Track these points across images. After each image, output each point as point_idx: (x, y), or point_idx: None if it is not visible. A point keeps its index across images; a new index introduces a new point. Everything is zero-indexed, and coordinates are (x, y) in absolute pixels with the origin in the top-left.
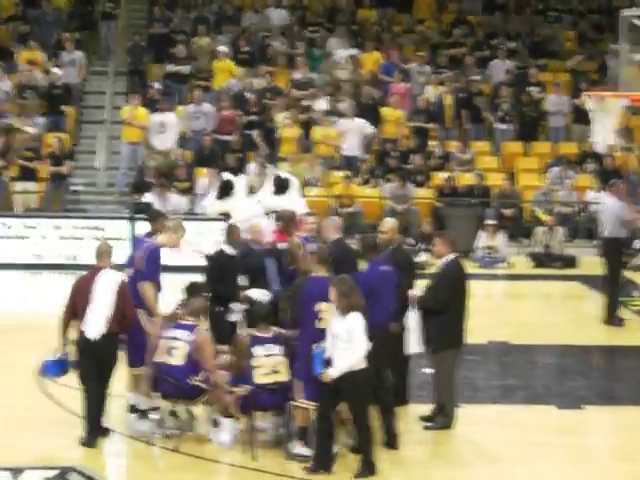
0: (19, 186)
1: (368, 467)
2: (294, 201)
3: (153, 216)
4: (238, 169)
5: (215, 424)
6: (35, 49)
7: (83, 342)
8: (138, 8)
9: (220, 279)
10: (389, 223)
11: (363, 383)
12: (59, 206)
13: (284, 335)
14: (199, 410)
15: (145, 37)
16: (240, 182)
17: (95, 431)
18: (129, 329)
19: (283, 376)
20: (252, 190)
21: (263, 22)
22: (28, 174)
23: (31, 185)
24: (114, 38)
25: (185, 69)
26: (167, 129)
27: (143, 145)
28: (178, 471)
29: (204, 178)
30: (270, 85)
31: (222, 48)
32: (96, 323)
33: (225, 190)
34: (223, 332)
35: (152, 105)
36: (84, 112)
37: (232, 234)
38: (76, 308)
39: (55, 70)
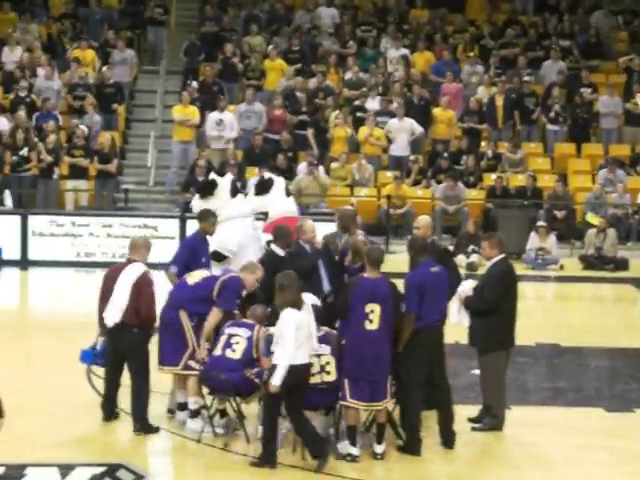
0: (69, 184)
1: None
2: (278, 201)
3: (203, 215)
4: (288, 169)
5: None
6: (86, 48)
7: (105, 330)
8: (190, 7)
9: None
10: (424, 220)
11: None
12: (106, 204)
13: (333, 335)
14: (249, 408)
15: (197, 36)
16: (279, 181)
17: (107, 414)
18: (149, 324)
19: (332, 376)
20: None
21: (314, 21)
22: (78, 172)
23: (81, 183)
24: (164, 37)
25: (236, 68)
26: (225, 127)
27: (194, 143)
28: (227, 470)
29: (254, 177)
30: (322, 85)
31: (273, 47)
32: (112, 312)
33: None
34: None
35: (203, 104)
36: (134, 111)
37: (287, 235)
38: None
39: (106, 69)
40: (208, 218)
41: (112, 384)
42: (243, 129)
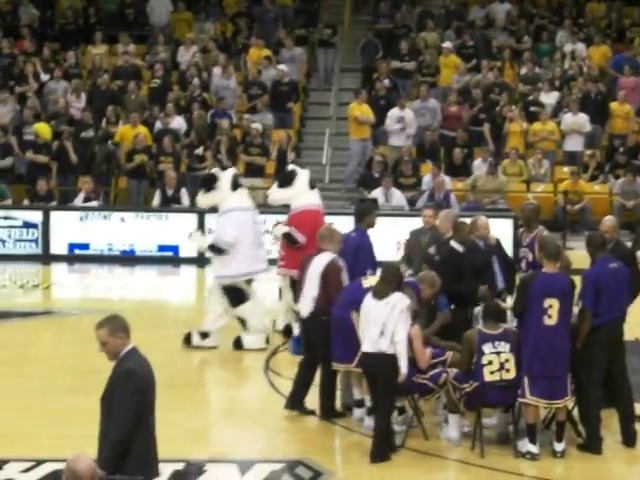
0: (246, 182)
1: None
2: (301, 194)
3: (364, 211)
4: (464, 165)
5: (444, 420)
6: (261, 46)
7: (299, 321)
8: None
9: (455, 278)
10: (609, 221)
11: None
12: None
13: (512, 332)
14: (426, 405)
15: (372, 33)
16: (303, 174)
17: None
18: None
19: (511, 373)
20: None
21: (488, 16)
22: (255, 170)
23: (257, 181)
24: (338, 36)
25: (410, 65)
26: (405, 125)
27: (371, 141)
28: (404, 467)
29: (428, 174)
30: (497, 80)
31: (448, 43)
32: (305, 302)
33: (286, 180)
34: (455, 329)
35: (378, 101)
36: (309, 108)
37: (461, 230)
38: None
39: (281, 67)
40: (372, 212)
41: (303, 378)
42: (417, 126)
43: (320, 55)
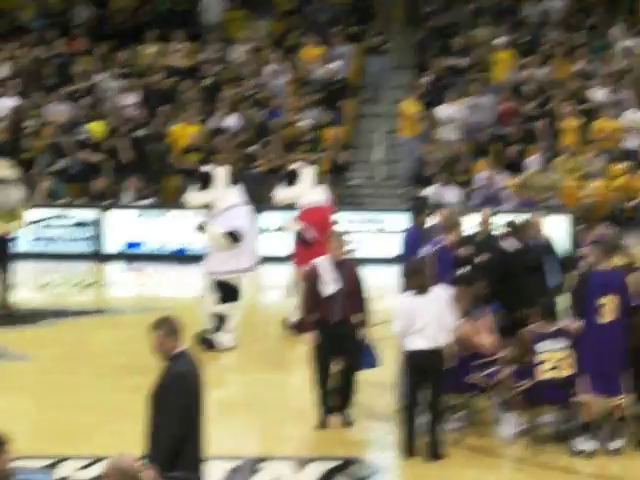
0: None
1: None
2: (306, 192)
3: (419, 208)
4: (517, 162)
5: (499, 418)
6: (313, 44)
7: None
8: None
9: (502, 279)
10: None
11: None
12: (337, 199)
13: (568, 329)
14: (481, 403)
15: (425, 31)
16: (307, 171)
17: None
18: None
19: (567, 371)
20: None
21: (542, 12)
22: None
23: None
24: (390, 32)
25: (463, 62)
26: (455, 122)
27: (424, 138)
28: (459, 465)
29: (481, 171)
30: (550, 76)
31: (501, 40)
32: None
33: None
34: (509, 327)
35: (432, 98)
36: (361, 106)
37: (529, 228)
38: None
39: (333, 64)
40: (424, 210)
41: None
42: (470, 123)
43: (371, 58)
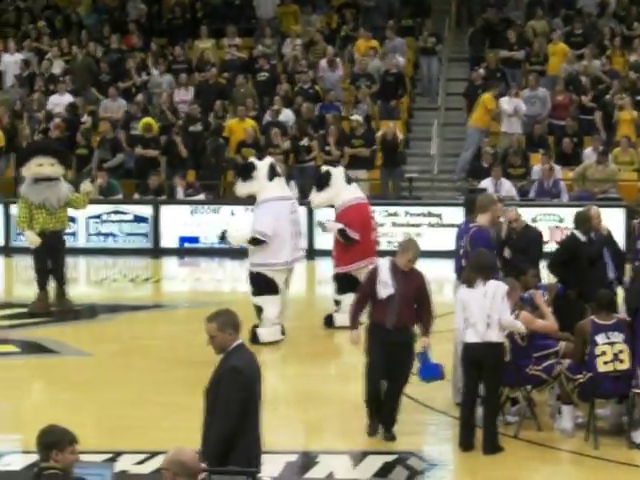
0: (351, 174)
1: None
2: (341, 192)
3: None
4: (574, 154)
5: (557, 411)
6: (367, 37)
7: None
8: None
9: (568, 264)
10: None
11: None
12: (394, 193)
13: (626, 322)
14: (539, 396)
15: (481, 23)
16: (338, 171)
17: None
18: None
19: (625, 364)
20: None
21: (597, 3)
22: (360, 162)
23: (361, 173)
24: (445, 27)
25: (519, 54)
26: (517, 114)
27: (483, 130)
28: (517, 458)
29: (537, 164)
30: (606, 68)
31: (557, 32)
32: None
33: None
34: (568, 318)
35: (476, 90)
36: (417, 99)
37: (587, 221)
38: None
39: (388, 58)
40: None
41: None
42: (527, 115)
43: (425, 57)
